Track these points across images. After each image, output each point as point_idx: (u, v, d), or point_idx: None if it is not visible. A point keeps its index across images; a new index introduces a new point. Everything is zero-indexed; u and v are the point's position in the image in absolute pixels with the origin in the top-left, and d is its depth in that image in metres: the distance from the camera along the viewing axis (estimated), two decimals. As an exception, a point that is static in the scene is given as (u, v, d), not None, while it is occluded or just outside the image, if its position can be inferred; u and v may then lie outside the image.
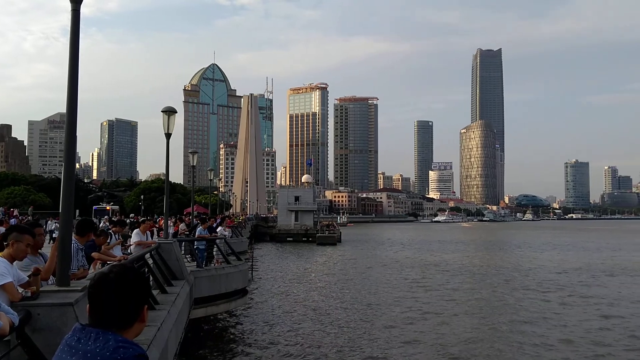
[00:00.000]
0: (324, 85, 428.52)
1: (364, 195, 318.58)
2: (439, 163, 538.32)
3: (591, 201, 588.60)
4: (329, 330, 23.39)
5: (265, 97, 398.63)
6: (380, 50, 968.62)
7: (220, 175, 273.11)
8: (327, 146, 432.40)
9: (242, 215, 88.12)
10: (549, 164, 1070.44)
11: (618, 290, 36.39)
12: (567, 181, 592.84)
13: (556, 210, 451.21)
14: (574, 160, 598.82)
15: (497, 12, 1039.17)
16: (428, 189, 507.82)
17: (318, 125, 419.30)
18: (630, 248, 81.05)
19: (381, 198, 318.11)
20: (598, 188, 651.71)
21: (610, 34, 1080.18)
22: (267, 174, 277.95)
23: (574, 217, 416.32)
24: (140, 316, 2.18)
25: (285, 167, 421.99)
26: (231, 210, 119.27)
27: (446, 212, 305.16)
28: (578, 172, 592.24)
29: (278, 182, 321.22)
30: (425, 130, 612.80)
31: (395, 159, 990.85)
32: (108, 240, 12.87)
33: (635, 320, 25.91)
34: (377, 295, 33.78)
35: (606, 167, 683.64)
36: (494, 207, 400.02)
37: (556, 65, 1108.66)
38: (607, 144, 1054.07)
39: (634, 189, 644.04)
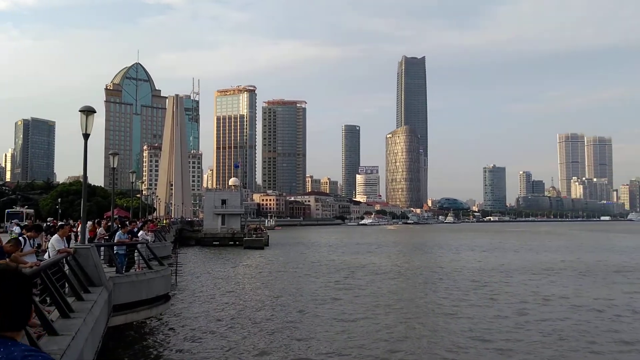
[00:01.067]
0: (252, 88, 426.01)
1: (292, 199, 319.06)
2: (365, 167, 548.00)
3: (507, 204, 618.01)
4: (252, 335, 23.27)
5: (192, 98, 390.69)
6: (309, 54, 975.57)
7: (144, 178, 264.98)
8: (255, 149, 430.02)
9: (166, 219, 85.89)
10: (469, 169, 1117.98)
11: (534, 287, 38.47)
12: (486, 185, 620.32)
13: (475, 213, 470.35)
14: (492, 165, 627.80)
15: (422, 20, 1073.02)
16: (355, 192, 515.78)
17: (246, 128, 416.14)
18: (540, 249, 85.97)
19: (309, 201, 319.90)
20: (514, 192, 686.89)
21: (528, 45, 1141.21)
22: (193, 176, 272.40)
23: (492, 219, 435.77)
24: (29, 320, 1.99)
25: (212, 170, 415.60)
26: (154, 214, 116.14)
27: (372, 215, 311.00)
28: (495, 176, 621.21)
29: (204, 185, 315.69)
30: (352, 135, 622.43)
31: (323, 162, 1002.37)
32: (22, 247, 12.26)
33: (545, 316, 27.52)
34: (303, 298, 33.93)
35: (521, 172, 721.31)
36: (418, 210, 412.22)
37: (477, 74, 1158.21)
38: (522, 150, 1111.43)
39: (546, 193, 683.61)
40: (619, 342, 22.21)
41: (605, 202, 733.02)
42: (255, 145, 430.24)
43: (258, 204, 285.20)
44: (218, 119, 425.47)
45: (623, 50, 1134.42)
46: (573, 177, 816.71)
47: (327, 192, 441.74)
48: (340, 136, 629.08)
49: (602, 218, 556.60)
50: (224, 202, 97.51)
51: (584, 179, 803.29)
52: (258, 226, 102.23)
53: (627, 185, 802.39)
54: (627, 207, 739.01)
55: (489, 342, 21.98)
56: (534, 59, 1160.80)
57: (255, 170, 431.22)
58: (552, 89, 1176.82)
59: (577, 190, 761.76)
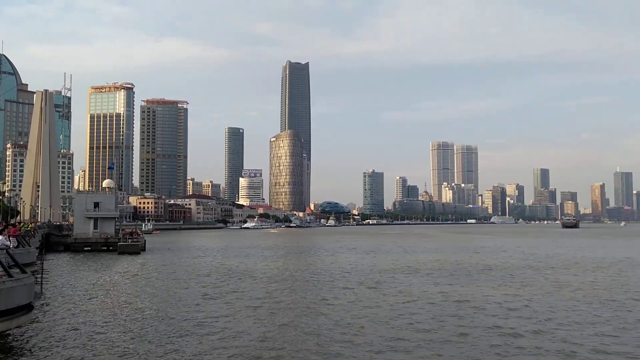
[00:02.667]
0: (129, 86, 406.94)
1: (172, 202, 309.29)
2: (249, 170, 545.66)
3: (385, 208, 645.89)
4: (120, 344, 22.25)
5: (63, 94, 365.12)
6: (192, 54, 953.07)
7: (7, 179, 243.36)
8: (133, 150, 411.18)
9: (31, 223, 79.38)
10: (349, 173, 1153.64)
11: (407, 285, 40.46)
12: (365, 189, 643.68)
13: (355, 217, 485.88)
14: (371, 170, 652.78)
15: (307, 27, 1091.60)
16: (238, 195, 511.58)
17: (123, 127, 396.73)
18: (413, 250, 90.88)
19: (190, 205, 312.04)
20: (391, 196, 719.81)
21: (405, 56, 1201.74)
22: (63, 178, 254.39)
23: (371, 222, 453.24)
24: None
25: (85, 171, 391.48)
26: (18, 218, 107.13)
27: (255, 219, 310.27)
28: (374, 181, 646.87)
29: (75, 186, 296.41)
30: (236, 137, 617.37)
31: (205, 165, 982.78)
32: None
33: (419, 311, 29.14)
34: (177, 304, 33.03)
35: (398, 178, 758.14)
36: (301, 214, 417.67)
37: (358, 82, 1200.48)
38: (399, 157, 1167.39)
39: (420, 197, 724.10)
40: (462, 333, 24.08)
41: (471, 206, 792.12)
42: (133, 146, 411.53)
43: (135, 207, 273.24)
44: (92, 117, 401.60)
45: (489, 66, 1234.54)
46: (444, 183, 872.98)
47: (209, 195, 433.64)
48: (223, 139, 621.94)
49: (469, 221, 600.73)
50: (96, 204, 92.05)
51: (453, 184, 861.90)
52: (134, 230, 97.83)
53: (490, 190, 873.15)
54: (490, 210, 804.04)
55: (361, 337, 22.82)
56: (410, 70, 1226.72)
57: (132, 172, 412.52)
58: (425, 99, 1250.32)
59: (447, 195, 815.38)
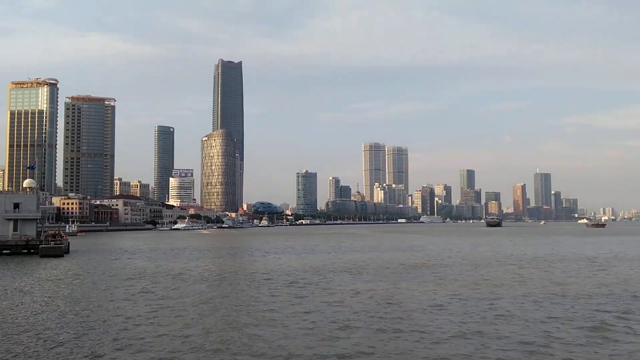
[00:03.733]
0: (53, 81, 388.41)
1: (98, 202, 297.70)
2: (180, 170, 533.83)
3: (318, 208, 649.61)
4: (39, 350, 21.23)
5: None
6: (120, 50, 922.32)
7: None
8: (56, 148, 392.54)
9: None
10: (283, 174, 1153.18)
11: (338, 284, 40.88)
12: (299, 190, 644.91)
13: (289, 217, 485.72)
14: (305, 171, 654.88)
15: (240, 26, 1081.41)
16: (168, 196, 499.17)
17: (45, 125, 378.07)
18: (345, 250, 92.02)
19: (117, 205, 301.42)
20: (324, 196, 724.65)
21: (338, 58, 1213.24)
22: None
23: (304, 222, 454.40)
24: None
25: (4, 170, 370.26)
26: None
27: (186, 220, 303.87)
28: (308, 181, 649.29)
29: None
30: (166, 136, 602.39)
31: (134, 164, 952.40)
32: None
33: (351, 308, 29.52)
34: (99, 308, 31.98)
35: (331, 178, 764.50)
36: (233, 214, 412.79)
37: (292, 82, 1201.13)
38: (332, 157, 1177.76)
39: (352, 198, 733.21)
40: (394, 329, 24.72)
41: (402, 206, 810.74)
42: (56, 144, 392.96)
43: (58, 208, 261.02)
44: (12, 113, 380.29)
45: (417, 69, 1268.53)
46: (376, 183, 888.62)
47: (138, 195, 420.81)
48: (153, 137, 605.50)
49: (399, 220, 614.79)
50: (16, 205, 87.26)
51: (384, 185, 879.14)
52: (57, 232, 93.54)
53: (419, 191, 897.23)
54: (419, 210, 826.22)
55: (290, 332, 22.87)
56: (343, 72, 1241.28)
57: (56, 172, 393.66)
58: (358, 101, 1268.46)
59: (379, 195, 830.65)
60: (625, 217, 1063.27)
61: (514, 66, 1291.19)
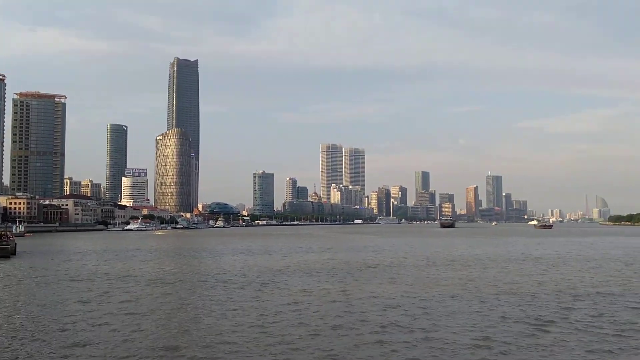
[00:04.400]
0: (0, 77, 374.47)
1: (47, 202, 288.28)
2: (133, 169, 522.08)
3: (275, 209, 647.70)
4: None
5: None
6: (72, 45, 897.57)
7: None
8: (3, 146, 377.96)
9: None
10: (239, 174, 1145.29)
11: (294, 284, 41.08)
12: (255, 190, 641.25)
13: (245, 217, 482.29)
14: (262, 171, 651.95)
15: (198, 24, 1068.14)
16: (121, 196, 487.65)
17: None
18: (301, 250, 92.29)
19: (67, 205, 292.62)
20: (281, 197, 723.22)
21: (297, 59, 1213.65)
22: None
23: (260, 223, 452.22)
24: None
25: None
26: None
27: (139, 220, 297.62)
28: (265, 182, 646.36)
29: None
30: (119, 135, 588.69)
31: (85, 163, 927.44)
32: None
33: (307, 308, 29.75)
34: (47, 310, 31.22)
35: (288, 179, 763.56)
36: (188, 215, 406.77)
37: (250, 82, 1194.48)
38: (289, 158, 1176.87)
39: (309, 198, 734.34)
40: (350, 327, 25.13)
41: (358, 207, 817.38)
42: (3, 142, 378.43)
43: (5, 208, 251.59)
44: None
45: (376, 72, 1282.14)
46: (333, 184, 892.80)
47: (89, 195, 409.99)
48: (105, 136, 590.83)
49: (356, 221, 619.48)
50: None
51: (341, 185, 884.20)
52: (3, 233, 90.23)
53: (376, 192, 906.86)
54: (375, 211, 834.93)
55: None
56: (302, 72, 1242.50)
57: (2, 170, 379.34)
58: (317, 102, 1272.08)
59: (335, 196, 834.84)
60: (572, 218, 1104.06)
61: (470, 70, 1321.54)
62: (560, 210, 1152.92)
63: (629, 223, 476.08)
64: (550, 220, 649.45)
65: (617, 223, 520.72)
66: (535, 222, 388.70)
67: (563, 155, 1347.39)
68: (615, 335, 24.52)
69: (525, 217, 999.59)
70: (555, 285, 42.66)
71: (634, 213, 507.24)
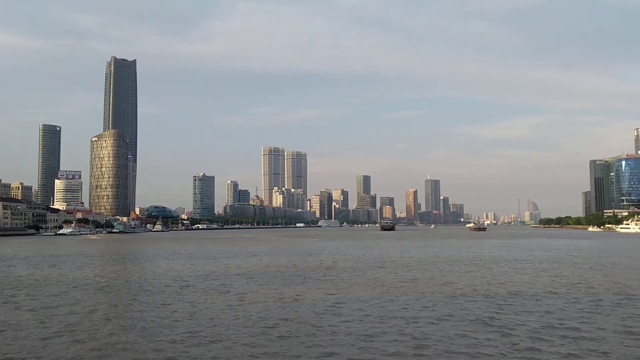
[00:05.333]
0: None
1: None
2: (66, 172, 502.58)
3: (216, 212, 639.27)
4: None
5: None
6: (6, 43, 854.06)
7: None
8: None
9: None
10: (179, 177, 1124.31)
11: (234, 288, 40.67)
12: (195, 193, 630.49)
13: (184, 221, 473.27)
14: (202, 174, 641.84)
15: (136, 23, 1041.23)
16: (53, 199, 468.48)
17: None
18: (242, 254, 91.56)
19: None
20: (222, 200, 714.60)
21: (238, 61, 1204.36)
22: None
23: (200, 227, 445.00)
24: None
25: None
26: None
27: (73, 224, 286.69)
28: (205, 185, 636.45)
29: None
30: (52, 136, 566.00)
31: (15, 165, 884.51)
32: None
33: (248, 312, 29.52)
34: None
35: (229, 182, 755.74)
36: (125, 219, 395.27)
37: (191, 83, 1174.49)
38: (230, 160, 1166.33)
39: (251, 202, 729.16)
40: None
41: (300, 210, 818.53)
42: None
43: None
44: None
45: (318, 76, 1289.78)
46: (274, 187, 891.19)
47: (19, 198, 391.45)
48: (37, 137, 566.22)
49: (298, 225, 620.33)
50: None
51: (283, 189, 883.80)
52: None
53: (318, 195, 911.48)
54: (317, 214, 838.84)
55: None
56: (244, 75, 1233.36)
57: None
58: (258, 105, 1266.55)
59: (277, 199, 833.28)
60: (505, 221, 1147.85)
61: (410, 77, 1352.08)
62: (494, 213, 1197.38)
63: (558, 226, 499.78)
64: (485, 223, 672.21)
65: (546, 226, 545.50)
66: (472, 224, 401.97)
67: (497, 160, 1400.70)
68: (533, 337, 25.62)
69: (462, 220, 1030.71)
70: (485, 285, 44.15)
71: (562, 216, 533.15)
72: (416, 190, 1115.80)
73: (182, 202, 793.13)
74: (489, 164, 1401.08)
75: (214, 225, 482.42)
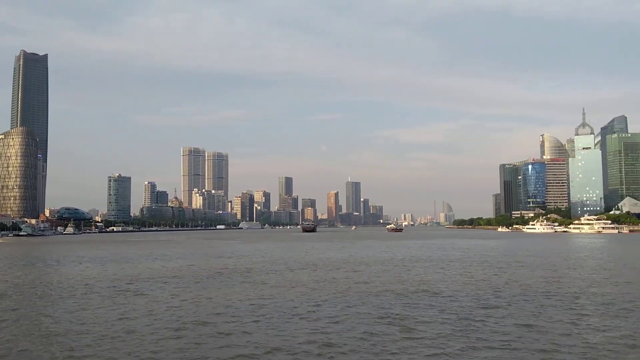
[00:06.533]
0: None
1: None
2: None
3: (132, 214, 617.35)
4: None
5: None
6: None
7: None
8: None
9: None
10: (93, 177, 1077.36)
11: (148, 291, 39.71)
12: (110, 195, 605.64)
13: (98, 224, 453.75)
14: (118, 174, 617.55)
15: (48, 16, 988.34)
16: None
17: None
18: (158, 258, 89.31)
19: None
20: (139, 202, 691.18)
21: (158, 59, 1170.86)
22: None
23: (115, 230, 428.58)
24: None
25: None
26: None
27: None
28: (121, 186, 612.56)
29: None
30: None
31: None
32: None
33: (161, 316, 28.97)
34: None
35: (146, 183, 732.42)
36: (33, 221, 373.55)
37: (105, 80, 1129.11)
38: (148, 161, 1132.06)
39: (169, 203, 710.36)
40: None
41: (221, 212, 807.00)
42: None
43: None
44: None
45: (241, 77, 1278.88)
46: (194, 189, 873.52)
47: None
48: None
49: (218, 227, 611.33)
50: None
51: (203, 190, 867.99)
52: None
53: (239, 197, 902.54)
54: (239, 216, 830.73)
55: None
56: (164, 73, 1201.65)
57: None
58: (178, 104, 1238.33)
59: (197, 201, 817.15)
60: (422, 222, 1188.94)
61: (332, 80, 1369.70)
62: (412, 215, 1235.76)
63: (471, 226, 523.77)
64: (403, 224, 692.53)
65: (460, 226, 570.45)
66: (392, 225, 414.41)
67: (414, 163, 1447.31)
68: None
69: (381, 221, 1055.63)
70: (399, 284, 45.74)
71: (475, 217, 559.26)
72: (337, 192, 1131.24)
73: (97, 203, 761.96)
74: (407, 167, 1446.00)
75: (130, 228, 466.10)
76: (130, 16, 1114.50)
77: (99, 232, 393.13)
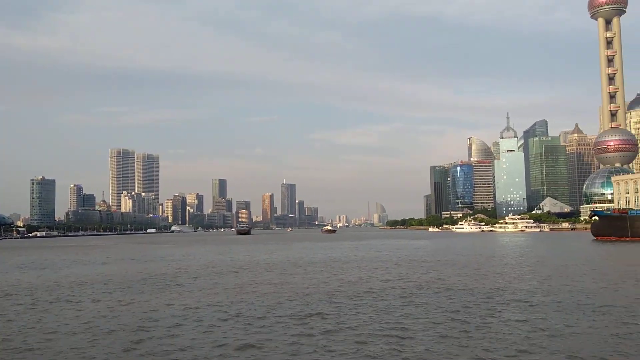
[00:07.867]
0: None
1: None
2: None
3: (57, 218, 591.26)
4: None
5: None
6: None
7: None
8: None
9: None
10: (15, 180, 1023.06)
11: (74, 296, 38.14)
12: (33, 198, 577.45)
13: (20, 228, 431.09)
14: (41, 177, 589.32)
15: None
16: None
17: None
18: (86, 263, 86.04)
19: None
20: (64, 205, 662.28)
21: (84, 58, 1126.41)
22: None
23: (39, 235, 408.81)
24: None
25: None
26: None
27: None
28: (44, 189, 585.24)
29: None
30: None
31: None
32: None
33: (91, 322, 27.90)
34: None
35: (72, 185, 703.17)
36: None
37: (28, 79, 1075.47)
38: (73, 163, 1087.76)
39: (97, 207, 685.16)
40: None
41: (152, 215, 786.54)
42: None
43: None
44: None
45: (174, 77, 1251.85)
46: (124, 192, 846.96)
47: None
48: None
49: (149, 230, 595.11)
50: None
51: (133, 193, 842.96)
52: None
53: (171, 199, 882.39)
54: (171, 219, 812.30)
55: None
56: (91, 72, 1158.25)
57: None
58: (106, 104, 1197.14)
59: (127, 204, 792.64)
60: (356, 223, 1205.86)
61: (267, 81, 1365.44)
62: (346, 216, 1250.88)
63: (403, 227, 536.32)
64: (338, 225, 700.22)
65: (393, 227, 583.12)
66: (329, 227, 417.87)
67: (349, 165, 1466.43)
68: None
69: (316, 222, 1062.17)
70: (325, 285, 46.26)
71: (407, 218, 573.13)
72: (272, 194, 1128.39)
73: (18, 207, 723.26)
74: (342, 169, 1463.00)
75: (55, 233, 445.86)
76: (57, 13, 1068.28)
77: (21, 237, 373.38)
